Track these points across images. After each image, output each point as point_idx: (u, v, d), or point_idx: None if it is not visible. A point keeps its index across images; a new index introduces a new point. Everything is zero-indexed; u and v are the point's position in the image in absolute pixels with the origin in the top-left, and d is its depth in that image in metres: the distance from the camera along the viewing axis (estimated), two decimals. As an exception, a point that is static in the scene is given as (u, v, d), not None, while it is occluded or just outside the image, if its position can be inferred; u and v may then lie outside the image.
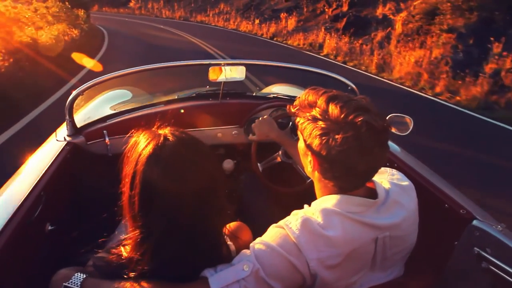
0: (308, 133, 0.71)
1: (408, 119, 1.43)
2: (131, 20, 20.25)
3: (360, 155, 0.66)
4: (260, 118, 1.41)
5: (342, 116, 0.66)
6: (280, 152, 1.53)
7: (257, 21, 15.88)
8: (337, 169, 0.70)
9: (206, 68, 1.50)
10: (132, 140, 0.66)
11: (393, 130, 1.45)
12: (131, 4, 27.96)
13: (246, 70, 1.53)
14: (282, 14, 15.02)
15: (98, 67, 6.80)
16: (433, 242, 0.97)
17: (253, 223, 0.94)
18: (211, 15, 20.17)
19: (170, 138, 0.64)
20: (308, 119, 0.71)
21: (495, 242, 0.85)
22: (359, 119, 0.65)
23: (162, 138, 0.64)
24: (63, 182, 1.22)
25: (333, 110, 0.68)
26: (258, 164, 1.52)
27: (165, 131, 0.66)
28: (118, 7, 29.04)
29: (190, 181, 0.62)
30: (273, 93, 1.95)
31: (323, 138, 0.68)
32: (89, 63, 7.12)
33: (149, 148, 0.62)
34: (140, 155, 0.63)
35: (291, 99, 1.75)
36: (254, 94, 2.03)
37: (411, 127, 1.43)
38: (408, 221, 0.76)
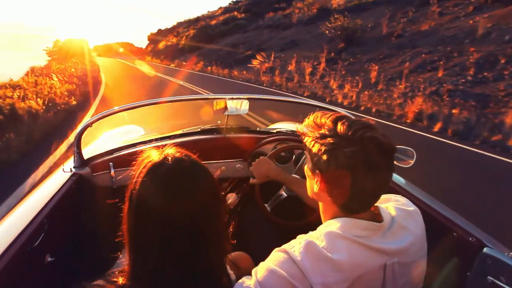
0: (316, 150, 0.71)
1: (411, 151, 1.43)
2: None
3: (367, 172, 0.66)
4: (257, 160, 1.41)
5: (350, 132, 0.68)
6: (284, 186, 1.52)
7: None
8: (344, 187, 0.69)
9: (210, 103, 1.56)
10: (140, 158, 0.68)
11: (397, 163, 1.45)
12: (255, 63, 15.10)
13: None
14: None
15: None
16: (445, 272, 0.93)
17: (256, 254, 0.92)
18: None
19: (170, 158, 0.66)
20: (316, 137, 0.72)
21: (508, 270, 0.81)
22: (367, 135, 0.67)
23: (162, 158, 0.65)
24: (67, 212, 1.22)
25: (341, 127, 0.69)
26: (265, 205, 1.51)
27: (168, 151, 0.68)
28: (232, 67, 17.71)
29: (183, 203, 0.62)
30: (276, 128, 1.99)
31: (332, 152, 0.68)
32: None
33: (148, 166, 0.64)
34: (140, 172, 0.64)
35: (295, 134, 1.78)
36: (257, 129, 2.07)
37: (414, 160, 1.43)
38: (416, 246, 0.74)
